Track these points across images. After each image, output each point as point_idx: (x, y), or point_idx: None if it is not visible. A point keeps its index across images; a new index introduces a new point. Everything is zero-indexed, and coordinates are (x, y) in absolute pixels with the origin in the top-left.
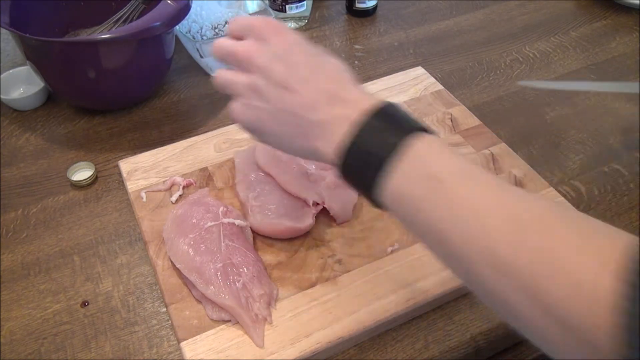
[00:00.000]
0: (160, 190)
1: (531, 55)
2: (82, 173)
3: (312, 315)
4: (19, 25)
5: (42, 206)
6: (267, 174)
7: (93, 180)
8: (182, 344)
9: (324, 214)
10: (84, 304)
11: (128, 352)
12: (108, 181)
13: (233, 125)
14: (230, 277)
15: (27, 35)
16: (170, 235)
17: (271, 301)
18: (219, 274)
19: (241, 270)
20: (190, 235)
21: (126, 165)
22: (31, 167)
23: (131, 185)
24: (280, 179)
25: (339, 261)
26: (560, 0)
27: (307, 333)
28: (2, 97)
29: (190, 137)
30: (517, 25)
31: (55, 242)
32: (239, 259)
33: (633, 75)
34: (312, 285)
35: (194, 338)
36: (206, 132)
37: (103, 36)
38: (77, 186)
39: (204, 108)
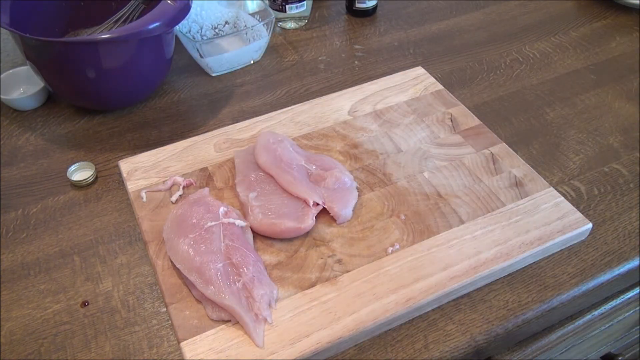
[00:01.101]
0: (160, 190)
1: (531, 55)
2: (82, 173)
3: (312, 315)
4: (19, 25)
5: (42, 206)
6: (267, 174)
7: (93, 180)
8: (182, 344)
9: (324, 214)
10: (84, 304)
11: (128, 352)
12: (108, 181)
13: (233, 125)
14: (230, 277)
15: (27, 35)
16: (170, 235)
17: (271, 301)
18: (219, 274)
19: (241, 270)
20: (190, 236)
21: (126, 165)
22: (31, 167)
23: (131, 185)
24: (281, 179)
25: (339, 261)
26: (560, 0)
27: (307, 333)
28: (2, 97)
29: (190, 137)
30: (517, 25)
31: (55, 242)
32: (239, 259)
33: (633, 75)
34: (312, 285)
35: (194, 338)
36: (206, 132)
37: (103, 36)
38: (77, 186)
39: (203, 108)
